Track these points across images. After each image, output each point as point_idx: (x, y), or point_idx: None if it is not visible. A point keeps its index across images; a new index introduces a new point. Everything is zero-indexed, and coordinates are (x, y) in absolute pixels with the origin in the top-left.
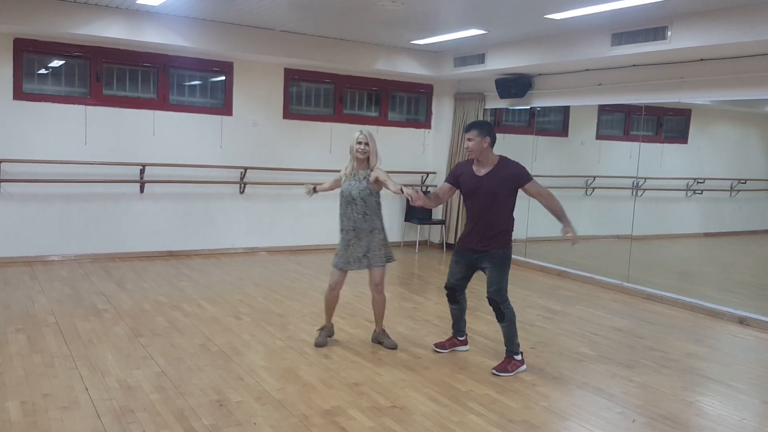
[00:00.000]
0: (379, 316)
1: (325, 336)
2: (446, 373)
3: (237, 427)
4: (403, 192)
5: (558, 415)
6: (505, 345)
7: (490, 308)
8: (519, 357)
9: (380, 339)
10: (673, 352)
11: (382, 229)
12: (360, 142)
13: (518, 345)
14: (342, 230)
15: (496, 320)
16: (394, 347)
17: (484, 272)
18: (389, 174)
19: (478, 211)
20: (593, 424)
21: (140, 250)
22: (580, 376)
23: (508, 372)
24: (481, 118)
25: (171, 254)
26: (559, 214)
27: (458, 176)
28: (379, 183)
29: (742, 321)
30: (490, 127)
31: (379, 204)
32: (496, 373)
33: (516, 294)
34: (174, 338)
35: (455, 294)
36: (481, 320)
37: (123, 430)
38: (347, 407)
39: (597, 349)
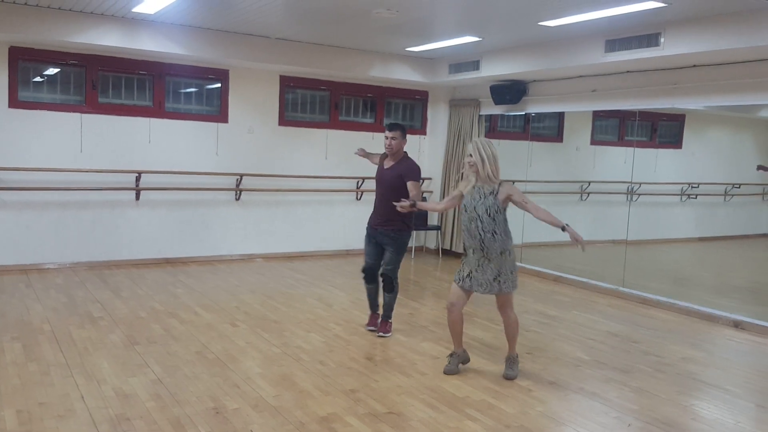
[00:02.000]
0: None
1: (456, 363)
2: (442, 378)
3: None
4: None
5: (554, 421)
6: (386, 311)
7: (487, 314)
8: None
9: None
10: (669, 356)
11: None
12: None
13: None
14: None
15: (386, 291)
16: (510, 377)
17: (386, 250)
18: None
19: (378, 198)
20: (589, 429)
21: (136, 257)
22: (577, 381)
23: (389, 333)
24: (476, 124)
25: (167, 261)
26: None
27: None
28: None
29: (737, 325)
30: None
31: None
32: (384, 335)
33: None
34: (170, 346)
35: (374, 273)
36: (478, 326)
37: None
38: (344, 414)
39: (593, 354)
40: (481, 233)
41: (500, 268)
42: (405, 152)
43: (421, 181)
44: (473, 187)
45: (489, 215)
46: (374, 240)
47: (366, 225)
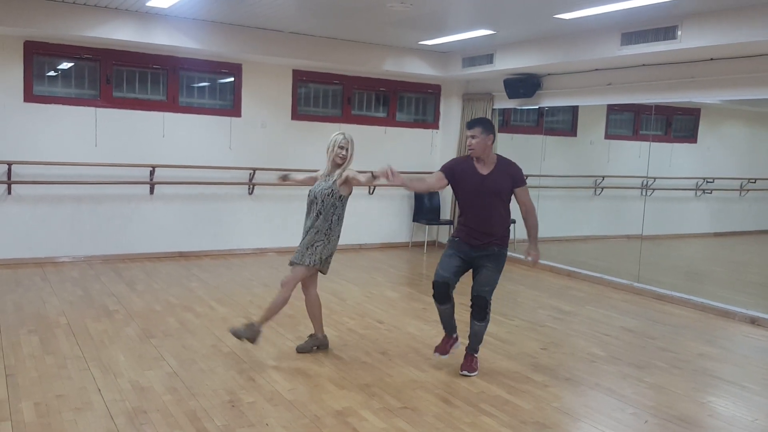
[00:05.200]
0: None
1: (311, 344)
2: (457, 374)
3: (249, 428)
4: (377, 176)
5: (570, 416)
6: (472, 343)
7: (500, 309)
8: (478, 354)
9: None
10: (685, 352)
11: (328, 234)
12: (342, 147)
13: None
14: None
15: (476, 319)
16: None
17: (479, 270)
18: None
19: (480, 209)
20: (605, 425)
21: (150, 251)
22: (592, 376)
23: (475, 370)
24: (489, 118)
25: (181, 255)
26: (533, 232)
27: (455, 171)
28: (349, 183)
29: (753, 321)
30: (492, 124)
31: (336, 208)
32: (468, 374)
33: (526, 295)
34: (185, 339)
35: (448, 290)
36: (492, 321)
37: (136, 431)
38: (359, 408)
39: (608, 350)
40: (317, 214)
41: (314, 242)
42: (497, 154)
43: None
44: (324, 174)
45: (322, 199)
46: (463, 256)
47: (451, 239)
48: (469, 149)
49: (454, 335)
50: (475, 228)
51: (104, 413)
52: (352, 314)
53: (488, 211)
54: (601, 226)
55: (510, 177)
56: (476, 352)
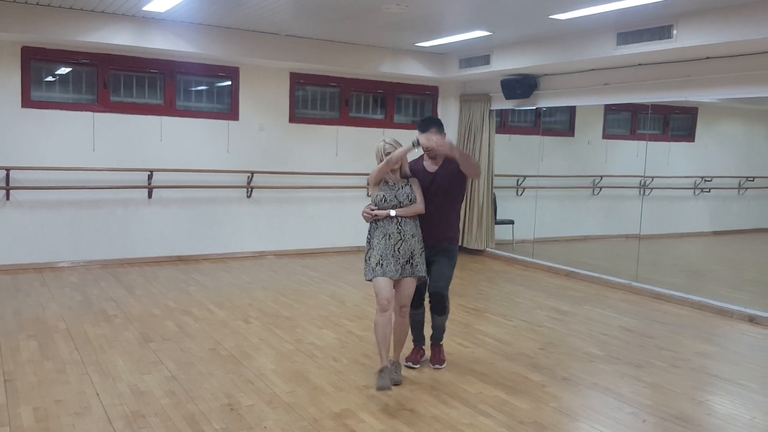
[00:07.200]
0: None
1: (387, 378)
2: (455, 375)
3: (248, 431)
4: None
5: (568, 416)
6: (437, 335)
7: (498, 310)
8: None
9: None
10: (683, 351)
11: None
12: (389, 153)
13: None
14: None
15: (436, 313)
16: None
17: (431, 265)
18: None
19: (434, 209)
20: (604, 425)
21: (149, 255)
22: (590, 376)
23: (444, 361)
24: (486, 119)
25: (180, 259)
26: (465, 155)
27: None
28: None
29: (752, 319)
30: (441, 121)
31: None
32: (440, 367)
33: (524, 295)
34: (184, 343)
35: (421, 295)
36: (490, 322)
37: None
38: (357, 410)
39: (606, 350)
40: (401, 218)
41: (413, 250)
42: None
43: None
44: (387, 181)
45: (410, 201)
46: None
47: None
48: (426, 150)
49: (423, 347)
50: (429, 230)
51: (103, 418)
52: (351, 316)
53: (441, 212)
54: (599, 225)
55: (456, 167)
56: (441, 341)
